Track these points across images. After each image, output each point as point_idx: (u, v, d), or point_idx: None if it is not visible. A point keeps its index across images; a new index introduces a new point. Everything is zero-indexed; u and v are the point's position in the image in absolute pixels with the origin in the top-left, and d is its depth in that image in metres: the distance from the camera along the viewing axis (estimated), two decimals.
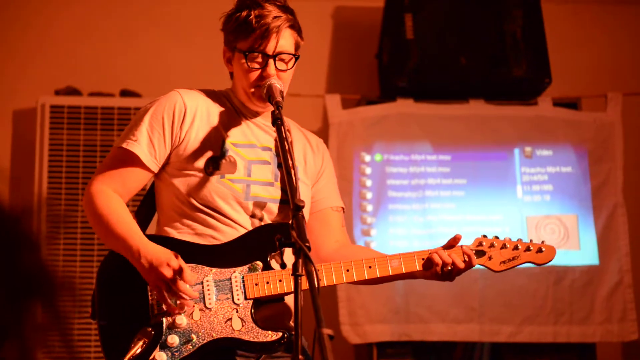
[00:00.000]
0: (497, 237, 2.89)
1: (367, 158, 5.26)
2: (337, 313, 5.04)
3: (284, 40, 2.74)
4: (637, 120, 5.62)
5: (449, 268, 2.76)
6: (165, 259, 2.55)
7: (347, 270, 2.73)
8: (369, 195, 5.23)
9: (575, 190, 5.31)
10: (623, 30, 5.88)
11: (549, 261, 2.90)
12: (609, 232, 5.28)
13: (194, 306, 2.64)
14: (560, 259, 5.21)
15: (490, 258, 2.86)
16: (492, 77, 5.29)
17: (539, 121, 5.37)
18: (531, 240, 2.91)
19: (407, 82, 5.23)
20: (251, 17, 2.71)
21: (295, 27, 2.78)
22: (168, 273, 2.55)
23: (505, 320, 5.14)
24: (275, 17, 2.72)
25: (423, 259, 2.78)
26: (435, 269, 2.76)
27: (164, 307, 2.62)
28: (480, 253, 2.86)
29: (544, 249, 2.88)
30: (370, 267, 2.74)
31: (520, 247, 2.88)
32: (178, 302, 2.61)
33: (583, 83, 5.72)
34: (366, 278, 2.75)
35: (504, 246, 2.87)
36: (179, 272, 2.56)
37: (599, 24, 5.88)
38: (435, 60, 5.23)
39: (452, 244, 2.81)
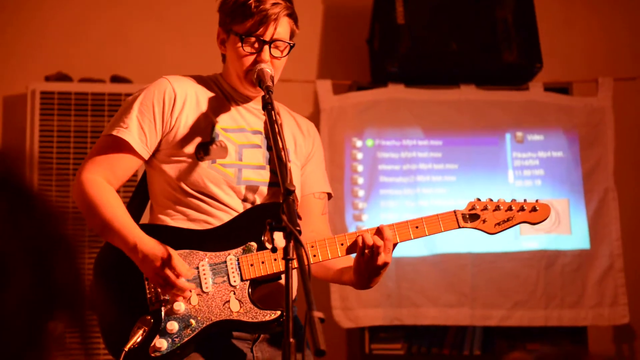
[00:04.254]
0: (490, 199, 2.83)
1: (359, 143, 5.26)
2: (329, 297, 5.05)
3: (281, 28, 2.73)
4: (628, 105, 5.64)
5: (369, 252, 2.66)
6: (160, 254, 2.55)
7: (342, 244, 2.72)
8: (360, 180, 5.23)
9: (566, 175, 5.32)
10: (614, 15, 5.89)
11: (544, 219, 2.83)
12: (600, 216, 5.29)
13: (191, 291, 2.64)
14: (552, 244, 5.23)
15: (484, 221, 2.79)
16: (483, 63, 5.29)
17: (530, 106, 5.38)
18: (525, 200, 2.85)
19: (398, 67, 5.23)
20: (250, 1, 2.70)
21: (292, 15, 2.77)
22: (162, 267, 2.55)
23: (497, 304, 5.16)
24: (274, 4, 2.71)
25: (417, 227, 2.77)
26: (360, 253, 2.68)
27: (160, 292, 2.63)
28: (473, 217, 2.79)
29: (538, 208, 2.82)
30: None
31: (514, 207, 2.81)
32: (175, 293, 2.61)
33: (574, 68, 5.73)
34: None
35: (497, 208, 2.80)
36: (170, 265, 2.55)
37: (589, 9, 5.88)
38: (426, 45, 5.22)
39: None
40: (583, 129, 5.39)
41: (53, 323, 1.09)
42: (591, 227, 5.27)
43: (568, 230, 5.25)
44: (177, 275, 2.57)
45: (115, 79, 5.26)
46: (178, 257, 2.58)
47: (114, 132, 2.72)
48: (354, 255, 2.72)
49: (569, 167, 5.33)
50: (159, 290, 2.63)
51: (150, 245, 2.58)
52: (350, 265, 2.75)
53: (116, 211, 2.66)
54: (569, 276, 5.22)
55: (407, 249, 4.91)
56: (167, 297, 2.64)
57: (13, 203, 1.09)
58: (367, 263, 2.67)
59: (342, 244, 2.72)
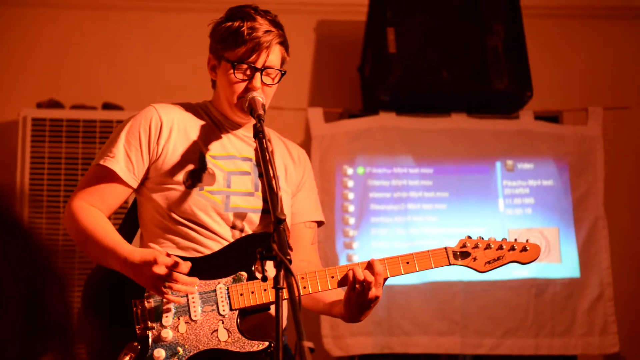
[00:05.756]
0: (481, 238, 2.86)
1: (350, 171, 5.27)
2: (319, 325, 5.03)
3: (273, 56, 2.75)
4: (617, 134, 5.66)
5: (360, 287, 2.67)
6: (152, 256, 2.54)
7: (332, 277, 2.73)
8: (351, 208, 5.23)
9: (556, 203, 5.33)
10: (604, 44, 5.93)
11: (534, 260, 2.87)
12: (590, 245, 5.30)
13: (180, 319, 2.63)
14: (542, 272, 5.23)
15: (474, 259, 2.83)
16: (473, 91, 5.31)
17: (520, 135, 5.40)
18: (515, 240, 2.89)
19: (389, 95, 5.24)
20: (243, 28, 2.72)
21: (284, 43, 2.80)
22: (159, 269, 2.53)
23: (487, 333, 5.15)
24: (266, 32, 2.73)
25: (408, 262, 2.79)
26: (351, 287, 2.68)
27: (166, 304, 2.61)
28: (464, 254, 2.83)
29: (528, 248, 2.86)
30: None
31: (504, 246, 2.85)
32: (178, 291, 2.59)
33: (564, 97, 5.75)
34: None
35: (488, 246, 2.84)
36: (170, 265, 2.54)
37: (580, 39, 5.92)
38: (417, 73, 5.24)
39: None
40: (573, 158, 5.40)
41: (44, 356, 1.09)
42: (581, 255, 5.27)
43: (558, 259, 5.25)
44: (176, 269, 2.54)
45: (107, 106, 5.27)
46: (171, 254, 2.57)
47: (102, 162, 2.74)
48: (344, 288, 2.73)
49: (559, 195, 5.34)
50: (161, 296, 2.61)
51: (140, 253, 2.58)
52: (341, 299, 2.75)
53: (107, 232, 2.67)
54: (559, 305, 5.22)
55: (398, 277, 4.90)
56: (155, 325, 2.63)
57: (4, 237, 1.09)
58: (358, 297, 2.68)
59: (332, 277, 2.72)
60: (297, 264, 2.79)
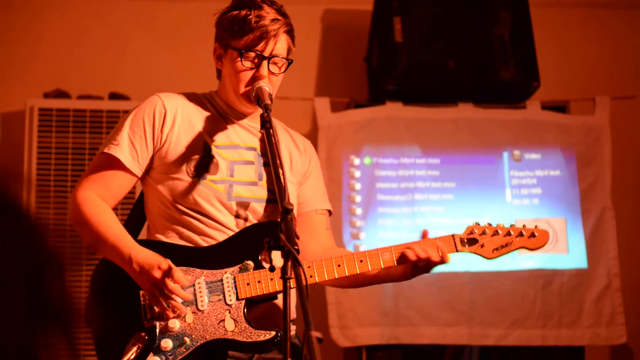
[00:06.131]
0: (489, 224, 2.83)
1: (357, 161, 5.26)
2: (327, 316, 5.03)
3: (280, 44, 2.75)
4: (625, 124, 5.64)
5: (424, 263, 2.76)
6: (156, 262, 2.56)
7: (339, 266, 2.72)
8: (358, 198, 5.23)
9: (563, 193, 5.32)
10: (611, 34, 5.90)
11: (543, 245, 2.83)
12: (597, 235, 5.29)
13: (187, 309, 2.64)
14: (549, 263, 5.22)
15: (482, 246, 2.80)
16: (480, 81, 5.29)
17: (527, 125, 5.38)
18: (524, 225, 2.85)
19: (396, 85, 5.23)
20: (250, 16, 2.72)
21: (290, 32, 2.80)
22: (159, 275, 2.55)
23: (494, 323, 5.15)
24: (273, 20, 2.73)
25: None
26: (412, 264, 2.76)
27: (156, 309, 2.63)
28: (472, 241, 2.80)
29: (537, 234, 2.82)
30: (361, 260, 2.75)
31: (512, 232, 2.81)
32: (171, 305, 2.61)
33: (571, 87, 5.74)
34: (357, 272, 2.74)
35: (495, 233, 2.81)
36: (169, 274, 2.56)
37: (587, 28, 5.90)
38: (424, 63, 5.23)
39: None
40: (580, 148, 5.39)
41: (44, 337, 1.10)
42: (588, 246, 5.26)
43: (565, 250, 5.24)
44: (175, 284, 2.57)
45: (114, 96, 5.27)
46: (175, 266, 2.58)
47: (106, 150, 2.75)
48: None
49: (566, 185, 5.33)
50: (154, 303, 2.62)
51: (145, 255, 2.59)
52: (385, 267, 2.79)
53: (110, 225, 2.67)
54: (567, 295, 5.21)
55: None
56: (161, 312, 2.63)
57: (6, 225, 1.09)
58: (422, 270, 2.76)
59: (339, 265, 2.72)
60: (316, 251, 2.83)
